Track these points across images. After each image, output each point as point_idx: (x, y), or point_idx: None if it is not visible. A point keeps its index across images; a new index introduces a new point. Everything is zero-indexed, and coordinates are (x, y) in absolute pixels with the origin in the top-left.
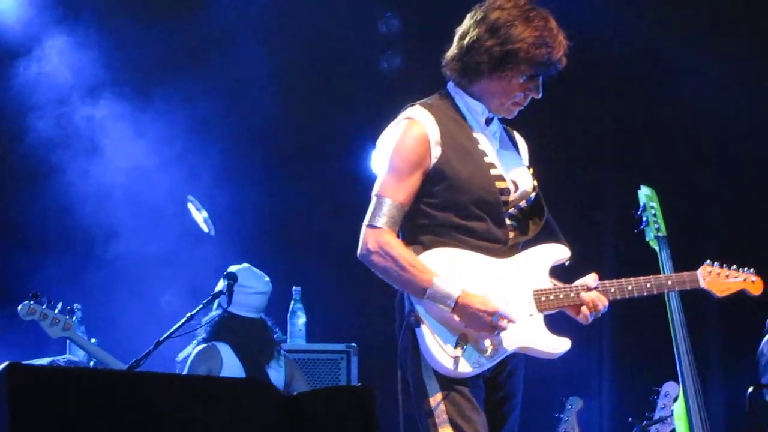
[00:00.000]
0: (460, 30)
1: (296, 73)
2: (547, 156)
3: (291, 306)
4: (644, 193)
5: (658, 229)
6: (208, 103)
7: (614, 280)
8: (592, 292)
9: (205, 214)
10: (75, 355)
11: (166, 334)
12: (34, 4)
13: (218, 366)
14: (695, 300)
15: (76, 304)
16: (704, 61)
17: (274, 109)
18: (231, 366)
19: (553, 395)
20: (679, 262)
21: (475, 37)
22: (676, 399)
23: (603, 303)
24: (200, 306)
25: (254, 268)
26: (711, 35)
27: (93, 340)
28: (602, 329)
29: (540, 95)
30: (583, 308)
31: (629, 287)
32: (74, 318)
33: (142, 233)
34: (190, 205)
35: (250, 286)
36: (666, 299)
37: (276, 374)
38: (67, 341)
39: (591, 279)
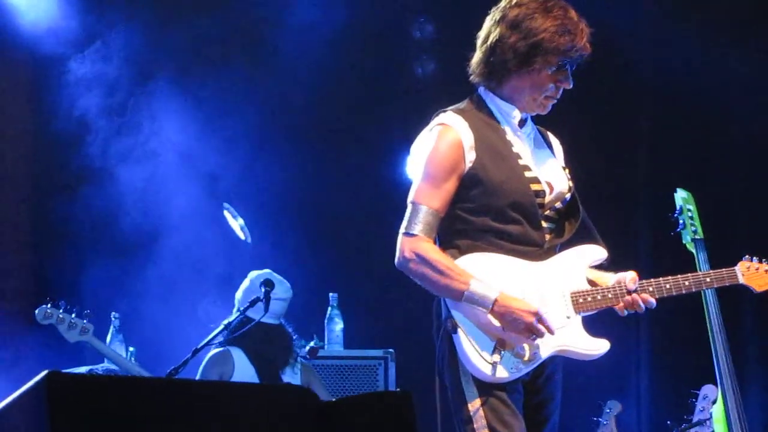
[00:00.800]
0: (481, 34)
1: (330, 81)
2: (582, 159)
3: (328, 312)
4: (681, 195)
5: (695, 232)
6: (246, 107)
7: (652, 280)
8: (634, 295)
9: (241, 221)
10: (113, 364)
11: (204, 342)
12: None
13: (230, 371)
14: (733, 302)
15: (113, 313)
16: (741, 64)
17: (309, 116)
18: (243, 371)
19: (591, 399)
20: (717, 264)
21: (497, 37)
22: (714, 402)
23: (647, 303)
24: (238, 313)
25: (275, 274)
26: (748, 39)
27: (131, 348)
28: (640, 332)
29: (571, 85)
30: (621, 305)
31: (667, 286)
32: (111, 327)
33: (182, 239)
34: (226, 213)
35: (272, 292)
36: (703, 302)
37: (291, 380)
38: (108, 345)
39: (630, 280)
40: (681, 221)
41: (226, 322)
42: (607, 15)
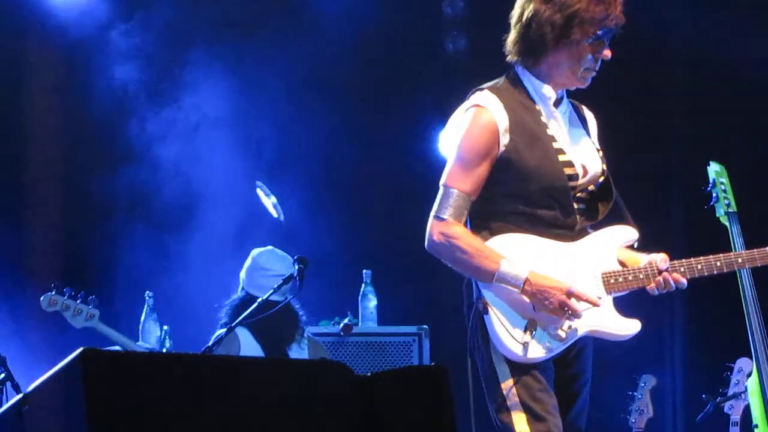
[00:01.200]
0: (514, 13)
1: (362, 58)
2: (614, 134)
3: (362, 289)
4: (713, 169)
5: (728, 205)
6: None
7: (683, 260)
8: (665, 274)
9: (274, 199)
10: (148, 342)
11: (238, 320)
12: None
13: (236, 350)
14: (766, 275)
15: (147, 292)
16: None
17: (343, 93)
18: (249, 349)
19: (626, 373)
20: (750, 237)
21: (532, 13)
22: (749, 375)
23: (678, 283)
24: (271, 291)
25: (278, 250)
26: None
27: (165, 327)
28: (673, 306)
29: (609, 55)
30: (652, 285)
31: (699, 266)
32: (146, 306)
33: (216, 216)
34: (259, 191)
35: (271, 268)
36: (737, 275)
37: (298, 356)
38: (140, 327)
39: (660, 260)
40: (714, 194)
41: (260, 299)
42: None
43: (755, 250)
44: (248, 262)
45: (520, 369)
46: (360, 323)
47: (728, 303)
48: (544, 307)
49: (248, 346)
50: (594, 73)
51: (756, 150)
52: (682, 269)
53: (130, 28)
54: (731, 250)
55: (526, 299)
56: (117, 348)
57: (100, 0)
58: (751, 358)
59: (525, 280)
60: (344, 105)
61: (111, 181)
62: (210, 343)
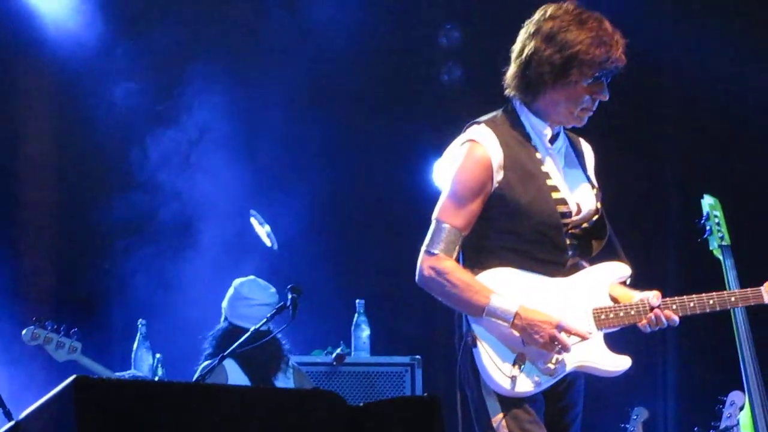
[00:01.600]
0: (515, 48)
1: (355, 86)
2: (608, 167)
3: (355, 319)
4: (707, 202)
5: (722, 238)
6: (262, 118)
7: (676, 298)
8: (656, 311)
9: (267, 228)
10: (140, 371)
11: (231, 349)
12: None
13: (223, 381)
14: (760, 308)
15: (140, 320)
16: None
17: (333, 122)
18: (236, 379)
19: (618, 405)
20: (744, 270)
21: (532, 50)
22: (742, 408)
23: (670, 320)
24: (264, 320)
25: (260, 280)
26: None
27: (158, 355)
28: (666, 339)
29: (607, 97)
30: (644, 321)
31: (691, 304)
32: (139, 334)
33: (210, 245)
34: (252, 220)
35: (254, 297)
36: (731, 308)
37: (283, 385)
38: (132, 356)
39: (653, 297)
40: (708, 227)
41: (253, 328)
42: (631, 22)
43: (749, 289)
44: (230, 291)
45: (509, 401)
46: (353, 353)
47: (721, 336)
48: (533, 341)
49: (235, 376)
50: (591, 113)
51: (750, 183)
52: (674, 306)
53: (124, 49)
54: (724, 283)
55: (516, 333)
56: (133, 371)
57: (92, 24)
58: (743, 391)
59: (515, 314)
60: (340, 135)
61: (106, 207)
62: (197, 375)
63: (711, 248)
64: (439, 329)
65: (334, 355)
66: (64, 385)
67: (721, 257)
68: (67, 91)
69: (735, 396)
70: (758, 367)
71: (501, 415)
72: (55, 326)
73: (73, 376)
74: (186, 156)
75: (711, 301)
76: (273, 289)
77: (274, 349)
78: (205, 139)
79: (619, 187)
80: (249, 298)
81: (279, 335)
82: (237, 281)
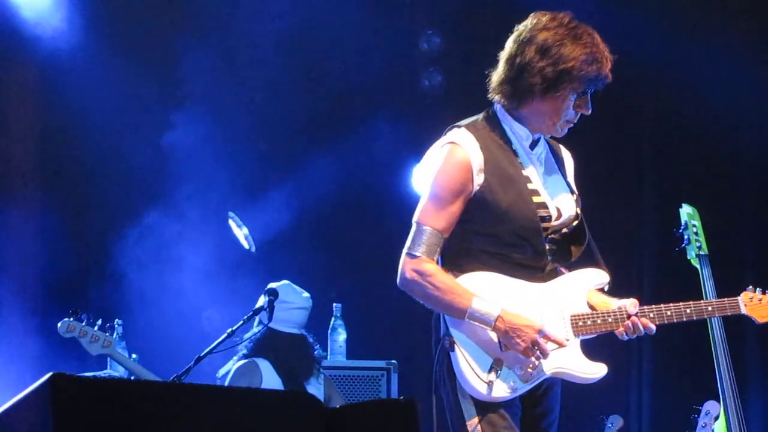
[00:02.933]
0: (505, 53)
1: (337, 90)
2: (585, 175)
3: (332, 322)
4: (686, 211)
5: (699, 248)
6: (242, 122)
7: (653, 306)
8: (634, 319)
9: (245, 230)
10: (116, 371)
11: (207, 350)
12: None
13: (258, 382)
14: (736, 318)
15: (116, 320)
16: (746, 78)
17: (316, 126)
18: (271, 382)
19: (593, 414)
20: (721, 280)
21: (526, 60)
22: (717, 418)
23: (647, 328)
24: (240, 322)
25: (294, 285)
26: (754, 53)
27: (134, 356)
28: (642, 347)
29: (590, 111)
30: (621, 329)
31: (668, 313)
32: (115, 335)
33: (188, 247)
34: (231, 222)
35: (292, 301)
36: (708, 320)
37: (315, 391)
38: (108, 359)
39: (630, 305)
40: (686, 237)
41: (229, 330)
42: (610, 32)
43: (726, 299)
44: (266, 296)
45: (485, 406)
46: (329, 357)
47: (697, 345)
48: (514, 345)
49: (270, 379)
50: (572, 125)
51: (728, 193)
52: (651, 315)
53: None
54: (702, 293)
55: (495, 338)
56: (109, 371)
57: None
58: (718, 401)
59: (497, 317)
60: (318, 139)
61: (85, 210)
62: (230, 375)
63: (689, 257)
64: (416, 334)
65: None
66: (41, 381)
67: (698, 266)
68: (50, 89)
69: (710, 405)
70: (734, 377)
71: (476, 419)
72: (91, 319)
73: (50, 374)
74: (164, 159)
75: (688, 310)
76: (307, 294)
77: (307, 353)
78: (183, 142)
79: (597, 195)
80: (287, 302)
81: (311, 340)
82: (272, 285)
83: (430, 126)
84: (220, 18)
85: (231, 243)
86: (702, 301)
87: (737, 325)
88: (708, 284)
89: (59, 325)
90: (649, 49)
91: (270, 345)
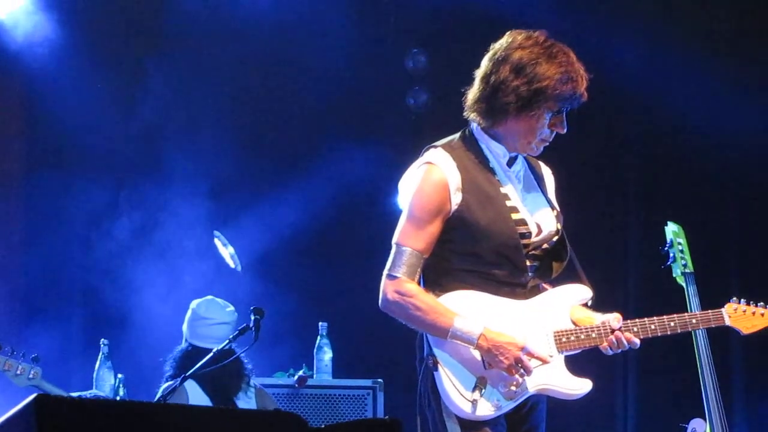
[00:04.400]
0: (480, 72)
1: (322, 109)
2: (571, 193)
3: (317, 341)
4: (671, 229)
5: (685, 266)
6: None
7: (637, 320)
8: (618, 333)
9: (231, 249)
10: (102, 391)
11: (193, 370)
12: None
13: (184, 401)
14: (722, 336)
15: (102, 339)
16: (729, 96)
17: (300, 145)
18: (197, 400)
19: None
20: (706, 298)
21: (500, 79)
22: None
23: (631, 342)
24: (226, 342)
25: (217, 299)
26: (738, 73)
27: (120, 376)
28: (628, 365)
29: (565, 130)
30: (605, 344)
31: (652, 326)
32: (100, 354)
33: (174, 267)
34: (216, 241)
35: (212, 317)
36: (693, 335)
37: (245, 405)
38: (94, 376)
39: (614, 319)
40: (671, 255)
41: (215, 349)
42: (595, 52)
43: (710, 311)
44: (188, 313)
45: (470, 425)
46: (315, 375)
47: (683, 363)
48: (497, 363)
49: (196, 397)
50: (547, 144)
51: (713, 211)
52: (635, 329)
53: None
54: (687, 311)
55: (478, 356)
56: (95, 391)
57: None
58: (704, 419)
59: (479, 335)
60: (303, 158)
61: (72, 234)
62: (158, 396)
63: (674, 275)
64: (402, 353)
65: (296, 377)
66: (25, 403)
67: (684, 284)
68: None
69: (696, 423)
70: (720, 395)
71: None
72: (14, 351)
73: (34, 395)
74: (151, 177)
75: (672, 323)
76: (231, 308)
77: (235, 369)
78: (169, 158)
79: (581, 212)
80: (207, 318)
81: (242, 355)
82: (194, 302)
83: (416, 145)
84: (200, 37)
85: (216, 262)
86: (686, 314)
87: (723, 343)
88: (693, 302)
89: None
90: (636, 66)
91: (193, 362)
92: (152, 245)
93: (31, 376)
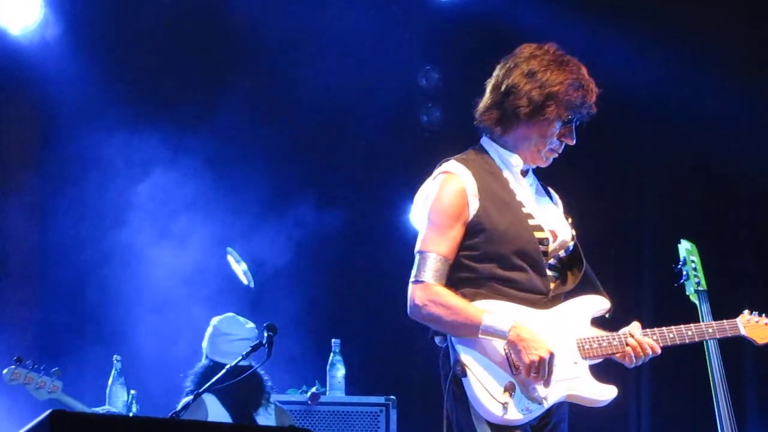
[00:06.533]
0: (491, 81)
1: (335, 127)
2: (584, 211)
3: (330, 358)
4: (684, 247)
5: (698, 283)
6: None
7: (655, 329)
8: (639, 338)
9: (244, 266)
10: (114, 407)
11: (206, 386)
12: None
13: (203, 416)
14: (734, 351)
15: (115, 356)
16: (746, 115)
17: (312, 162)
18: (217, 416)
19: None
20: (719, 316)
21: (512, 84)
22: None
23: (653, 349)
24: (239, 358)
25: (238, 316)
26: (753, 87)
27: (132, 392)
28: (641, 381)
29: (574, 141)
30: (628, 349)
31: (671, 335)
32: (113, 371)
33: (188, 283)
34: (229, 257)
35: (233, 333)
36: (705, 351)
37: (266, 421)
38: (107, 392)
39: (635, 328)
40: (684, 272)
41: (228, 366)
42: (608, 67)
43: (725, 321)
44: (209, 330)
45: (500, 429)
46: (328, 392)
47: (695, 377)
48: (521, 358)
49: (216, 412)
50: (556, 155)
51: (727, 228)
52: (654, 337)
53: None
54: None
55: (505, 362)
56: (107, 407)
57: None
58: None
59: (511, 327)
60: (318, 175)
61: (83, 247)
62: (177, 409)
63: (687, 293)
64: (415, 370)
65: (309, 394)
66: (41, 419)
67: (697, 302)
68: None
69: None
70: (731, 407)
71: None
72: (35, 365)
73: (49, 411)
74: (165, 192)
75: (690, 332)
76: (251, 324)
77: (255, 384)
78: (179, 176)
79: (595, 230)
80: (228, 334)
81: (261, 371)
82: (215, 319)
83: (429, 162)
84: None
85: (230, 278)
86: (702, 324)
87: (735, 356)
88: (707, 320)
89: (4, 372)
90: (650, 82)
91: (213, 378)
92: (166, 260)
93: (51, 389)
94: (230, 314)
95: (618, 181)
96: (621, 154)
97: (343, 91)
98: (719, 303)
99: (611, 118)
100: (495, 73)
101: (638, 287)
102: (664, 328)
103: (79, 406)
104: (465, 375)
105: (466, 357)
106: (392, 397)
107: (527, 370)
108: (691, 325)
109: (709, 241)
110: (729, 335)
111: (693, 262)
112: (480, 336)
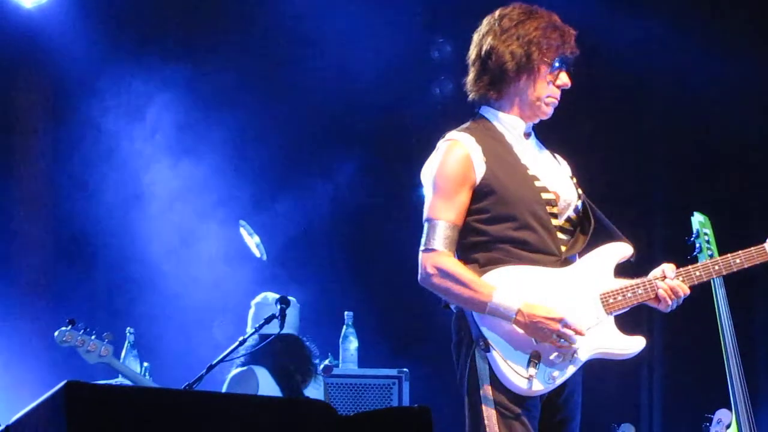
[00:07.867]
0: (471, 54)
1: (346, 99)
2: (596, 184)
3: (343, 331)
4: (697, 219)
5: (711, 256)
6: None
7: (681, 269)
8: (668, 281)
9: (257, 239)
10: (127, 379)
11: (219, 358)
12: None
13: (254, 390)
14: (747, 326)
15: (129, 328)
16: (760, 86)
17: (327, 135)
18: (268, 389)
19: (605, 423)
20: (732, 289)
21: (491, 47)
22: (729, 426)
23: (684, 291)
24: (252, 330)
25: (269, 294)
26: (764, 56)
27: (145, 364)
28: (653, 356)
29: (569, 84)
30: (660, 292)
31: (697, 273)
32: (126, 343)
33: (193, 257)
34: (242, 230)
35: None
36: (719, 325)
37: (316, 394)
38: (123, 360)
39: (669, 269)
40: (697, 245)
41: (241, 338)
42: (620, 38)
43: (752, 248)
44: (252, 309)
45: (505, 406)
46: (340, 365)
47: (708, 353)
48: (539, 337)
49: (267, 385)
50: (556, 102)
51: (740, 201)
52: (680, 278)
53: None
54: (714, 302)
55: (521, 331)
56: (127, 383)
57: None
58: (730, 409)
59: (517, 311)
60: (329, 147)
61: (99, 219)
62: (226, 383)
63: None
64: (427, 343)
65: (321, 366)
66: (56, 389)
67: None
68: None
69: (722, 414)
70: (746, 385)
71: (494, 414)
72: (87, 328)
73: (65, 381)
74: (176, 167)
75: (716, 267)
76: (291, 297)
77: (303, 354)
78: (196, 150)
79: (606, 203)
80: (273, 304)
81: (308, 342)
82: (255, 300)
83: (441, 134)
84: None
85: (242, 251)
86: (729, 255)
87: (749, 334)
88: (719, 293)
89: (56, 333)
90: (660, 56)
91: (266, 351)
92: (179, 234)
93: (102, 353)
94: (263, 293)
95: (630, 155)
96: (632, 127)
97: (353, 64)
98: (732, 275)
99: (623, 90)
100: (471, 48)
101: (651, 261)
102: (690, 266)
103: (129, 371)
104: (488, 350)
105: (488, 332)
106: (405, 369)
107: (551, 344)
108: (718, 258)
109: (721, 213)
110: (758, 262)
111: (706, 234)
112: (487, 314)
